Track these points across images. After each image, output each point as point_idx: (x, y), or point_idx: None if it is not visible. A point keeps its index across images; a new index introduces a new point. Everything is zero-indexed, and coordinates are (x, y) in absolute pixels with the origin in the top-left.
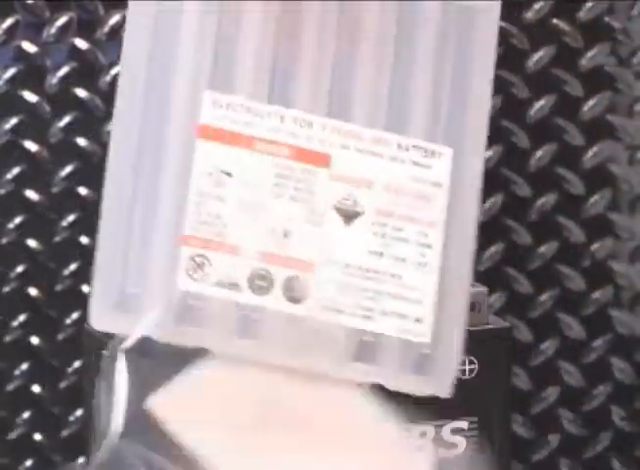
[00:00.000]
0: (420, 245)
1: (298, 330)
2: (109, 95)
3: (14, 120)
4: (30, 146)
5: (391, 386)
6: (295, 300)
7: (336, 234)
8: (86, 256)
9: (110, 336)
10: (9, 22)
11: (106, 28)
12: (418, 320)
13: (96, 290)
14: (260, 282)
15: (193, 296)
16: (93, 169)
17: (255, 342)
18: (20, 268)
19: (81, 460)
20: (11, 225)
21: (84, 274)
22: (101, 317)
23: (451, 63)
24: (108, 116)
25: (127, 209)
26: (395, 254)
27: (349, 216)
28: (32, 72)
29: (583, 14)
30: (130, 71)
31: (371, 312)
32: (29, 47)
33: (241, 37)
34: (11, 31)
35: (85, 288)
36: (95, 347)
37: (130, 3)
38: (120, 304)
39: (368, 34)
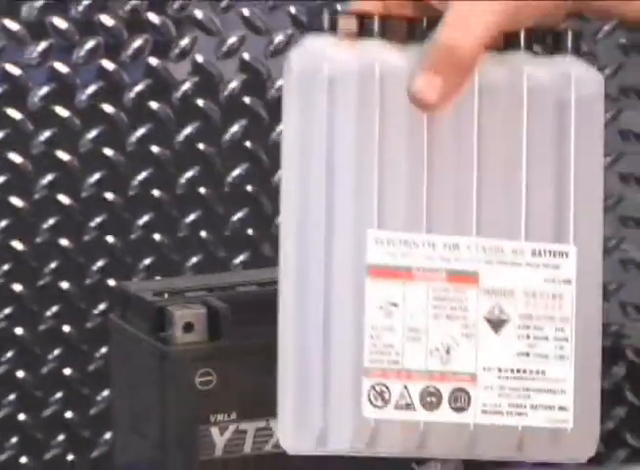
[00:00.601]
0: (558, 340)
1: (464, 435)
2: (132, 110)
3: (47, 133)
4: (62, 155)
5: (541, 460)
6: (460, 409)
7: (488, 343)
8: (113, 254)
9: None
10: (43, 45)
11: (129, 51)
12: (562, 408)
13: (285, 422)
14: (430, 398)
15: (375, 421)
16: (118, 177)
17: (427, 450)
18: (52, 265)
19: (108, 435)
20: (45, 226)
21: (110, 270)
22: (294, 445)
23: (571, 162)
24: (131, 128)
25: (304, 351)
26: (539, 352)
27: (498, 325)
28: (64, 90)
29: None
30: (293, 217)
31: (524, 409)
32: (61, 68)
33: (389, 178)
34: (45, 54)
35: (111, 282)
36: (118, 334)
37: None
38: (309, 432)
39: (496, 158)
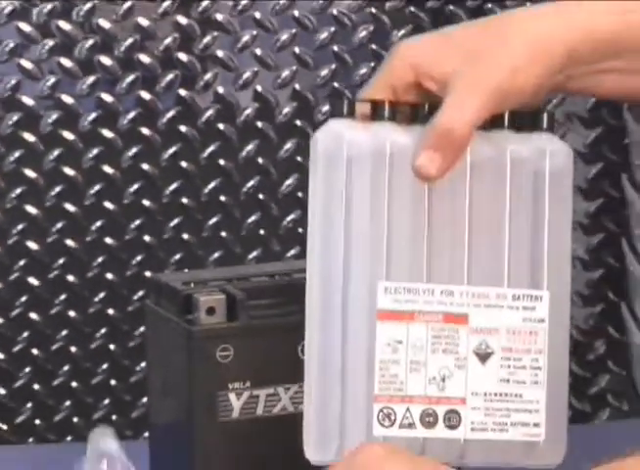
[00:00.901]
0: (533, 368)
1: (456, 447)
2: (165, 132)
3: (95, 151)
4: (107, 169)
5: (519, 466)
6: (453, 427)
7: (476, 372)
8: (149, 250)
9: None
10: (91, 78)
11: (163, 83)
12: (536, 425)
13: (311, 439)
14: (429, 418)
15: (384, 438)
16: (153, 187)
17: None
18: (99, 259)
19: (145, 400)
20: (93, 227)
21: (146, 264)
22: (316, 456)
23: (545, 222)
24: (164, 147)
25: (326, 379)
26: (517, 378)
27: (484, 357)
28: (109, 116)
29: None
30: (317, 271)
31: (505, 426)
32: (107, 97)
33: (396, 238)
34: (93, 86)
35: (147, 273)
36: (153, 317)
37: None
38: (329, 447)
39: (483, 221)
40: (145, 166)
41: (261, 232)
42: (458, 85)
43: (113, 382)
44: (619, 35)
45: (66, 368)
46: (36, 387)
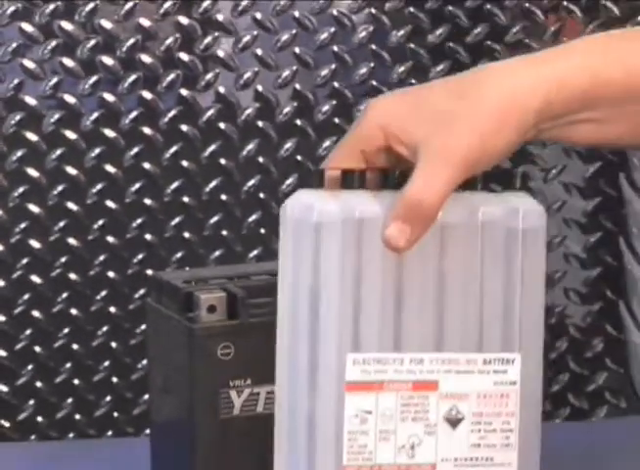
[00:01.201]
0: (504, 431)
1: None
2: (166, 132)
3: (97, 150)
4: (109, 168)
5: None
6: None
7: (446, 438)
8: (150, 249)
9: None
10: (93, 78)
11: (164, 83)
12: None
13: None
14: None
15: None
16: (155, 186)
17: None
18: (101, 257)
19: (146, 397)
20: (95, 226)
21: (148, 262)
22: None
23: (518, 283)
24: (165, 146)
25: (294, 448)
26: (488, 442)
27: (455, 423)
28: (111, 116)
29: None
30: (285, 340)
31: None
32: (109, 97)
33: (365, 307)
34: (95, 86)
35: (149, 272)
36: (154, 315)
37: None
38: None
39: (455, 287)
40: (146, 166)
41: (262, 231)
42: (427, 154)
43: (114, 379)
44: (593, 89)
45: (67, 366)
46: (38, 384)
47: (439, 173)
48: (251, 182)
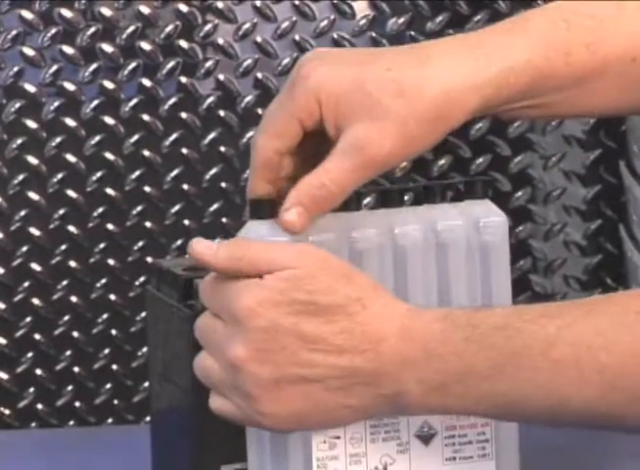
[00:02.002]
0: (480, 442)
1: None
2: (166, 119)
3: (97, 137)
4: (109, 156)
5: None
6: None
7: (419, 455)
8: (150, 236)
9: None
10: (93, 66)
11: (164, 71)
12: None
13: None
14: None
15: None
16: (155, 173)
17: None
18: (101, 245)
19: (146, 384)
20: (95, 214)
21: (148, 250)
22: None
23: (481, 293)
24: (165, 134)
25: None
26: (464, 455)
27: (427, 439)
28: (110, 103)
29: None
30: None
31: None
32: (108, 84)
33: None
34: (95, 73)
35: (149, 259)
36: (154, 302)
37: None
38: None
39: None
40: (146, 153)
41: None
42: (347, 141)
43: (114, 367)
44: (535, 82)
45: (68, 353)
46: (38, 372)
47: (350, 164)
48: None
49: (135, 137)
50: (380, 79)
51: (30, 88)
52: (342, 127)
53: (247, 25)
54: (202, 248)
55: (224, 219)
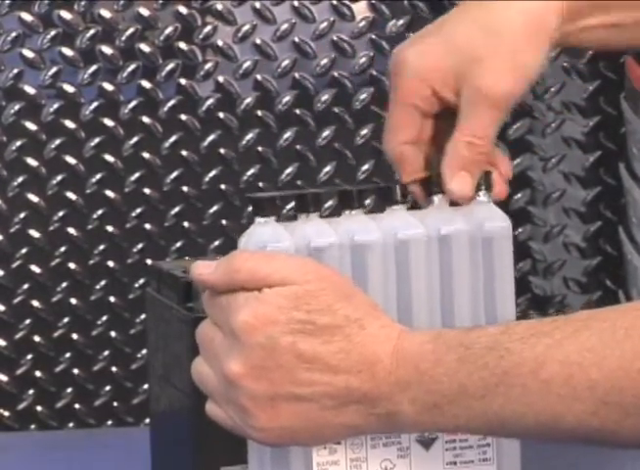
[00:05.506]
0: (481, 446)
1: None
2: (166, 121)
3: (97, 139)
4: (109, 158)
5: None
6: None
7: (420, 459)
8: (150, 238)
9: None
10: (93, 68)
11: (164, 73)
12: None
13: None
14: None
15: None
16: (154, 175)
17: None
18: (101, 247)
19: (146, 386)
20: (94, 216)
21: (147, 252)
22: None
23: (483, 293)
24: (165, 136)
25: None
26: (465, 459)
27: (428, 443)
28: (110, 105)
29: None
30: None
31: None
32: (108, 86)
33: None
34: (94, 75)
35: (148, 261)
36: (154, 304)
37: None
38: None
39: (421, 303)
40: (146, 155)
41: None
42: (470, 98)
43: (114, 369)
44: None
45: (67, 355)
46: (38, 374)
47: (483, 112)
48: (251, 172)
49: (135, 139)
50: (464, 28)
51: (30, 90)
52: (459, 89)
53: (246, 27)
54: (200, 268)
55: (224, 221)
